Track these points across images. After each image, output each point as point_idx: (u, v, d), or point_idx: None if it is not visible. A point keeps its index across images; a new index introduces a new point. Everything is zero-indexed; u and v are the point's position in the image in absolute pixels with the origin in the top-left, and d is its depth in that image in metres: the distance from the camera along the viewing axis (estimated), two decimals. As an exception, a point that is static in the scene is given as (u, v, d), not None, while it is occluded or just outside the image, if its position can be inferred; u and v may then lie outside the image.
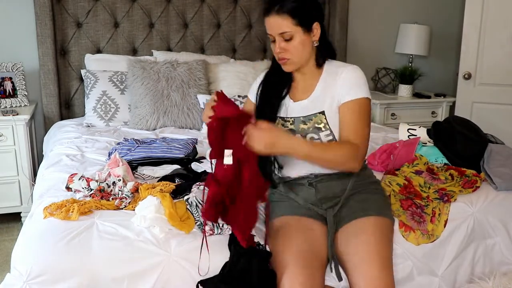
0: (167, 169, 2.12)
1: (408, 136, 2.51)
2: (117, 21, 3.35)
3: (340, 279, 1.63)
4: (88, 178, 1.88)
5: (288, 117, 1.76)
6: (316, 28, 1.69)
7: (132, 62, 3.12)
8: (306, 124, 1.72)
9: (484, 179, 2.10)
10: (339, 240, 1.66)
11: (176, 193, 1.77)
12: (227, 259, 1.57)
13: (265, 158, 1.66)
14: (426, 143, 2.38)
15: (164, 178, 2.00)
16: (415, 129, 2.53)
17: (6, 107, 3.04)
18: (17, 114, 2.88)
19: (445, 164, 2.22)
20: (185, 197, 1.73)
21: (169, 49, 3.48)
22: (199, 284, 1.52)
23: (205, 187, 1.58)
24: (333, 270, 1.65)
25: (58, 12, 3.20)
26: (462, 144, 2.24)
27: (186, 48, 3.51)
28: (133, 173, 2.08)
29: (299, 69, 1.75)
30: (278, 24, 1.65)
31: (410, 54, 4.09)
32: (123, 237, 1.58)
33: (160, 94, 3.01)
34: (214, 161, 1.59)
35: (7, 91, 3.11)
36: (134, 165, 2.14)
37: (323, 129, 1.71)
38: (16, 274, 1.48)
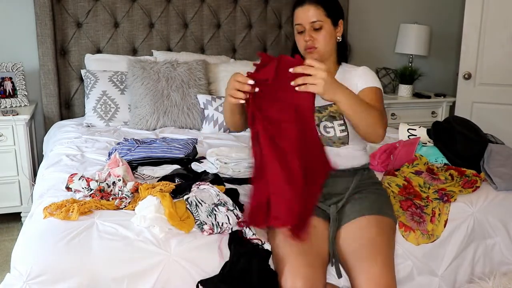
0: (167, 169, 2.12)
1: (408, 136, 2.51)
2: (117, 21, 3.35)
3: (339, 276, 1.64)
4: (88, 178, 1.88)
5: None
6: (341, 24, 1.81)
7: (132, 62, 3.12)
8: (321, 113, 1.78)
9: (484, 179, 2.10)
10: (341, 238, 1.66)
11: (176, 193, 1.77)
12: (227, 259, 1.57)
13: None
14: (426, 143, 2.38)
15: (164, 178, 2.00)
16: (415, 129, 2.53)
17: (6, 107, 3.04)
18: (17, 114, 2.88)
19: (445, 164, 2.22)
20: (185, 197, 1.72)
21: (169, 49, 3.48)
22: (199, 284, 1.52)
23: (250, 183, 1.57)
24: (333, 268, 1.65)
25: (58, 12, 3.20)
26: (462, 144, 2.24)
27: (186, 48, 3.51)
28: (133, 173, 2.08)
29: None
30: (312, 13, 1.75)
31: (410, 54, 4.09)
32: (123, 237, 1.58)
33: (160, 94, 3.01)
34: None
35: (7, 91, 3.11)
36: (134, 165, 2.14)
37: (337, 118, 1.77)
38: (16, 274, 1.48)
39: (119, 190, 1.83)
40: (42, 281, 1.46)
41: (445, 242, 1.88)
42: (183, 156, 2.21)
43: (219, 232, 1.64)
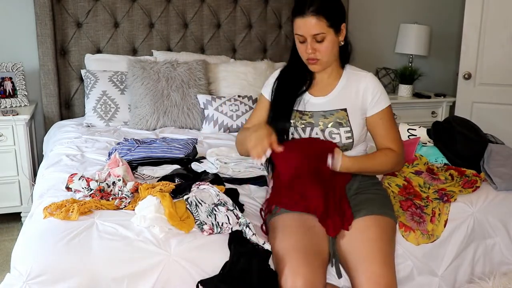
0: (167, 169, 2.12)
1: (408, 136, 2.50)
2: (117, 21, 3.35)
3: (339, 276, 1.64)
4: (88, 178, 1.88)
5: (306, 111, 1.79)
6: (343, 28, 1.74)
7: (132, 62, 3.12)
8: (327, 118, 1.77)
9: (484, 179, 2.10)
10: (341, 238, 1.66)
11: (176, 193, 1.77)
12: (227, 259, 1.57)
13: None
14: (426, 143, 2.38)
15: (164, 178, 2.00)
16: (415, 129, 2.53)
17: (6, 107, 3.04)
18: (17, 114, 2.88)
19: (445, 164, 2.22)
20: (185, 197, 1.72)
21: (169, 49, 3.48)
22: (199, 284, 1.52)
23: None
24: (333, 268, 1.65)
25: (58, 12, 3.20)
26: (462, 144, 2.24)
27: (186, 48, 3.51)
28: (133, 173, 2.08)
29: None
30: (313, 25, 1.66)
31: (410, 54, 4.09)
32: (123, 237, 1.58)
33: (160, 94, 3.01)
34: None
35: (7, 91, 3.11)
36: (134, 165, 2.14)
37: (344, 124, 1.76)
38: (16, 274, 1.48)
39: (119, 190, 1.83)
40: (42, 281, 1.46)
41: (445, 242, 1.88)
42: (183, 156, 2.21)
43: (219, 232, 1.64)
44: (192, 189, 1.77)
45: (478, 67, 3.55)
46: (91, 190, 1.82)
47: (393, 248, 1.68)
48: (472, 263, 1.94)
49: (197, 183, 1.81)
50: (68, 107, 3.34)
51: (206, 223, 1.63)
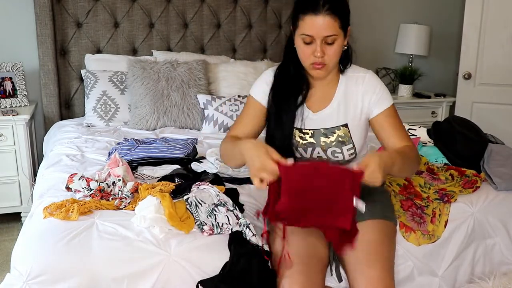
0: (167, 169, 2.12)
1: (408, 136, 2.50)
2: (117, 21, 3.35)
3: (340, 280, 1.63)
4: (88, 178, 1.88)
5: (306, 129, 1.65)
6: (349, 31, 1.58)
7: (132, 62, 3.12)
8: (329, 138, 1.64)
9: (484, 179, 2.10)
10: None
11: (176, 193, 1.77)
12: (227, 259, 1.57)
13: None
14: (426, 143, 2.38)
15: (164, 178, 2.00)
16: (415, 129, 2.53)
17: (6, 107, 3.04)
18: (17, 114, 2.88)
19: (445, 164, 2.22)
20: (185, 197, 1.72)
21: (169, 49, 3.48)
22: (199, 284, 1.52)
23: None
24: (333, 272, 1.65)
25: (58, 12, 3.20)
26: (462, 144, 2.24)
27: (186, 48, 3.51)
28: (133, 173, 2.08)
29: None
30: (327, 25, 1.47)
31: (410, 54, 4.09)
32: (123, 237, 1.58)
33: (160, 94, 3.01)
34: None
35: (7, 91, 3.10)
36: (134, 165, 2.14)
37: (346, 143, 1.65)
38: (16, 274, 1.48)
39: (119, 190, 1.83)
40: (42, 281, 1.46)
41: (445, 242, 1.88)
42: (183, 156, 2.21)
43: (219, 233, 1.64)
44: (192, 189, 1.77)
45: (478, 67, 3.55)
46: (91, 190, 1.82)
47: (393, 252, 1.66)
48: (472, 263, 1.94)
49: (197, 183, 1.81)
50: (68, 107, 3.34)
51: (206, 224, 1.63)
